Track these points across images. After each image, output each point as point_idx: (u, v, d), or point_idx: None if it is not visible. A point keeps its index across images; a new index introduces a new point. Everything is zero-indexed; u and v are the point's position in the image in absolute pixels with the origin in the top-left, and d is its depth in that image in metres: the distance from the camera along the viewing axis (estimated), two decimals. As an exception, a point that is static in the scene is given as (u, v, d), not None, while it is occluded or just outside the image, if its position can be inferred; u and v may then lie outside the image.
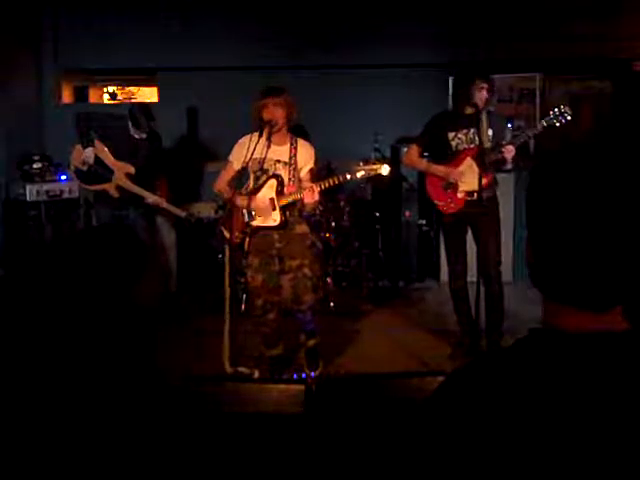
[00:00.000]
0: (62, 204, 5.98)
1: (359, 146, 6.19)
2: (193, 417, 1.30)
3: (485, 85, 4.13)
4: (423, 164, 4.41)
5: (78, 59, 6.70)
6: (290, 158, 3.97)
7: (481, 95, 4.12)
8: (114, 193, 5.03)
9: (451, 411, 0.95)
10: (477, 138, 4.16)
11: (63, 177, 6.04)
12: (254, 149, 3.86)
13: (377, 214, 5.85)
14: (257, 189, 3.95)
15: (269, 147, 3.90)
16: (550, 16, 6.27)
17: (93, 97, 7.48)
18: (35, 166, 5.96)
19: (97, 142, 5.09)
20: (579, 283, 0.93)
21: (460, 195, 4.21)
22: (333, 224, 5.54)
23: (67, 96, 7.16)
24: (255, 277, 4.04)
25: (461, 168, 4.20)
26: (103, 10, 6.60)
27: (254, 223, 3.96)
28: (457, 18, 6.44)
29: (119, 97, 7.52)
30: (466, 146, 4.20)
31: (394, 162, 6.49)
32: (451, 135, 4.22)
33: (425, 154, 4.48)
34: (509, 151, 4.06)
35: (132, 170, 5.02)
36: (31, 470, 1.18)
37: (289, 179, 3.95)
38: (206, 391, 2.92)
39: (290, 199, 3.90)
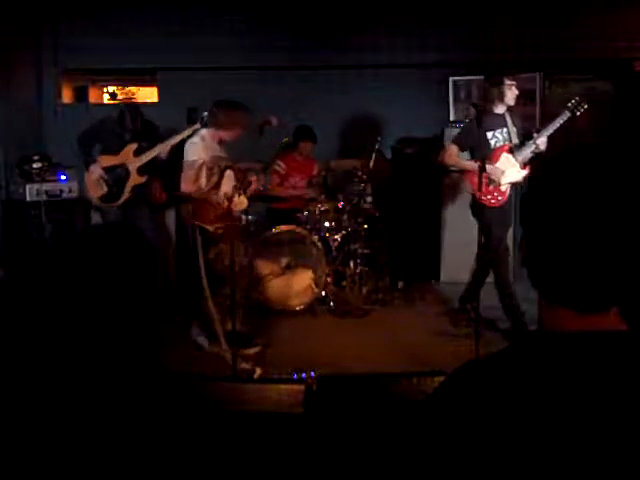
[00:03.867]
0: (62, 204, 5.97)
1: (359, 146, 6.18)
2: (193, 417, 1.31)
3: (514, 83, 4.51)
4: (465, 163, 4.72)
5: (78, 59, 6.70)
6: (223, 152, 4.57)
7: (512, 94, 4.50)
8: (140, 179, 5.04)
9: (450, 411, 0.95)
10: (509, 136, 4.56)
11: (63, 177, 6.03)
12: (208, 147, 4.44)
13: (377, 214, 5.85)
14: (219, 181, 4.43)
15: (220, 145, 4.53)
16: (550, 16, 6.26)
17: (93, 97, 7.48)
18: (35, 166, 5.94)
19: (99, 158, 5.07)
20: (572, 285, 0.93)
21: (504, 188, 4.55)
22: (333, 224, 5.54)
23: (67, 96, 7.16)
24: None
25: (499, 164, 4.53)
26: (103, 10, 6.60)
27: (234, 209, 4.43)
28: (457, 18, 6.43)
29: (119, 97, 7.52)
30: (502, 144, 4.55)
31: (394, 162, 6.50)
32: (490, 134, 4.55)
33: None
34: (543, 142, 4.47)
35: (134, 146, 5.03)
36: (32, 468, 1.18)
37: None
38: (206, 391, 2.92)
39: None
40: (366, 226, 5.61)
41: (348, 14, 6.52)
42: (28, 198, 5.82)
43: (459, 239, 5.94)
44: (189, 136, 4.65)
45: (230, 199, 4.36)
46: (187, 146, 4.50)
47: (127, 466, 1.19)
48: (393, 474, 1.05)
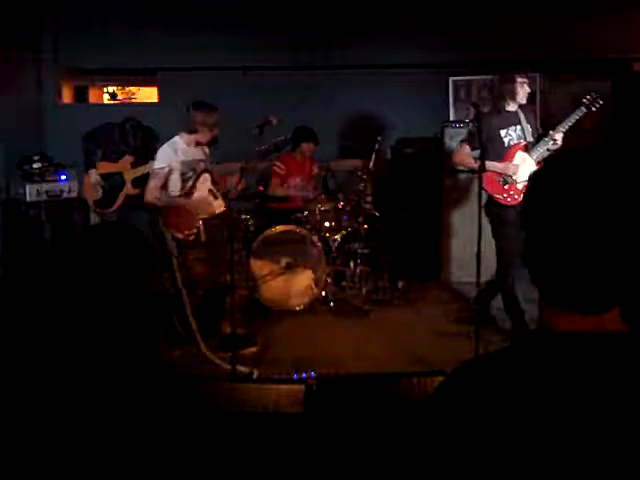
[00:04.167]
0: (62, 204, 5.97)
1: (359, 146, 6.18)
2: (193, 417, 1.31)
3: (526, 81, 4.43)
4: (477, 162, 4.53)
5: (78, 59, 6.70)
6: (204, 155, 4.59)
7: (523, 91, 4.43)
8: (133, 191, 5.12)
9: (450, 411, 0.95)
10: (523, 133, 4.48)
11: (63, 177, 6.04)
12: (180, 153, 4.43)
13: (377, 214, 5.85)
14: (193, 186, 4.46)
15: (197, 148, 4.54)
16: (550, 16, 6.26)
17: (93, 97, 7.48)
18: (35, 166, 5.95)
19: (98, 164, 5.18)
20: (573, 286, 0.93)
21: (521, 186, 4.46)
22: (333, 224, 5.53)
23: (67, 96, 7.16)
24: (201, 267, 4.45)
25: (514, 162, 4.48)
26: (103, 10, 6.60)
27: (206, 214, 4.44)
28: (457, 18, 6.43)
29: (119, 97, 7.52)
30: (516, 141, 4.49)
31: (394, 162, 6.50)
32: (503, 132, 4.49)
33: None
34: (559, 139, 4.40)
35: (132, 159, 5.14)
36: (32, 467, 1.18)
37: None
38: (206, 391, 2.92)
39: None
40: (366, 226, 5.60)
41: (348, 14, 6.52)
42: (28, 198, 5.83)
43: (459, 239, 5.95)
44: None
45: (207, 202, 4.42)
46: (157, 154, 4.52)
47: (127, 466, 1.19)
48: (393, 474, 1.05)
